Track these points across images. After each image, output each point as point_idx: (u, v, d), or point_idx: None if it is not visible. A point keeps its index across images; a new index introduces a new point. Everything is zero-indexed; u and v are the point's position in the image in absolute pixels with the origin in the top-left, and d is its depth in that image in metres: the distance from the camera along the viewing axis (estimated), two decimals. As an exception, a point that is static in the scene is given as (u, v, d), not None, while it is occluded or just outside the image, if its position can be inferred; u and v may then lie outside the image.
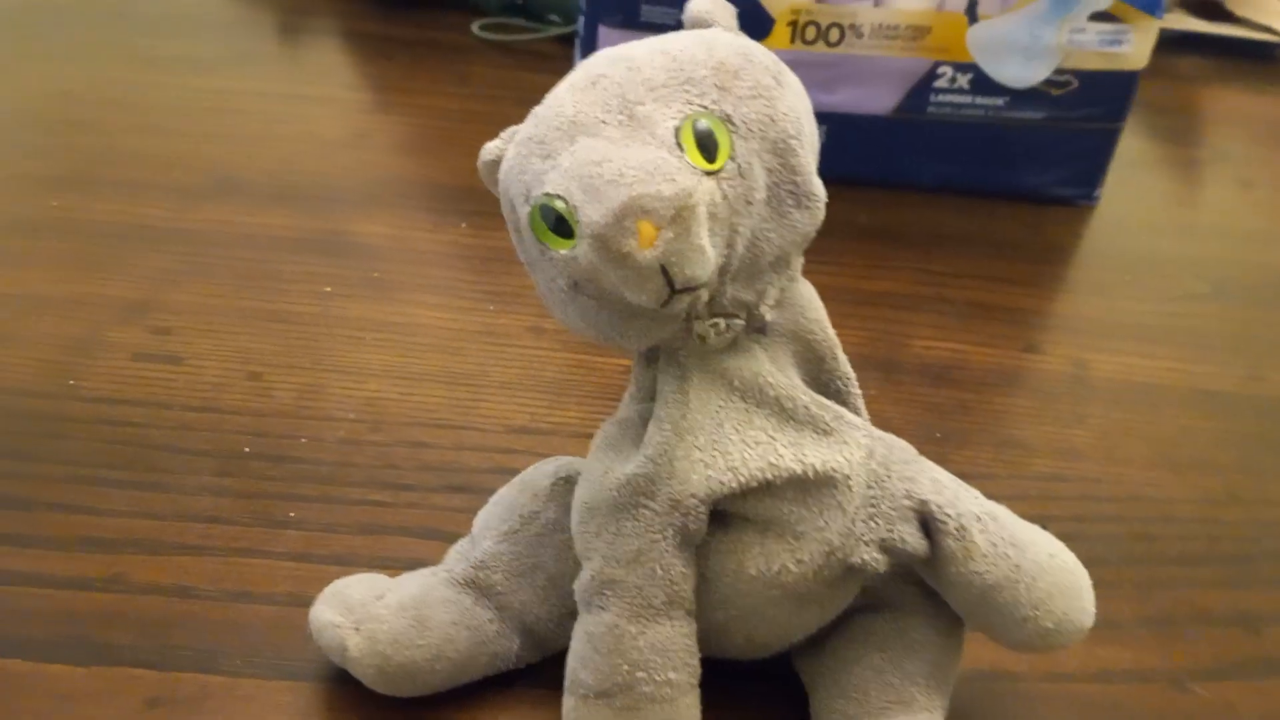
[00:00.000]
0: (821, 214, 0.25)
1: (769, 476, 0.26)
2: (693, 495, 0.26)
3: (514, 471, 0.40)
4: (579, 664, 0.27)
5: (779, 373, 0.27)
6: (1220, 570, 0.39)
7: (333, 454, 0.40)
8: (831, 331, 0.28)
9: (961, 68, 0.55)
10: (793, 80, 0.25)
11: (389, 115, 0.63)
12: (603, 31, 0.56)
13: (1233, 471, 0.44)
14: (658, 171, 0.21)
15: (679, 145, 0.22)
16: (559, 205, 0.22)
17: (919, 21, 0.54)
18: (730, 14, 0.25)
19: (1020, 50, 0.55)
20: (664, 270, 0.22)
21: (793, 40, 0.54)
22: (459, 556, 0.33)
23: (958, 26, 0.54)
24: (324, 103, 0.64)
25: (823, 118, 0.56)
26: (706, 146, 0.22)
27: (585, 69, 0.24)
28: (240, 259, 0.49)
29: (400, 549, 0.36)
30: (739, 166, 0.23)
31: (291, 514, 0.37)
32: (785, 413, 0.26)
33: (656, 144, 0.22)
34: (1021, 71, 0.56)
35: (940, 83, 0.56)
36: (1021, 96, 0.56)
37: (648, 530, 0.26)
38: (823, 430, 0.26)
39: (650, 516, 0.26)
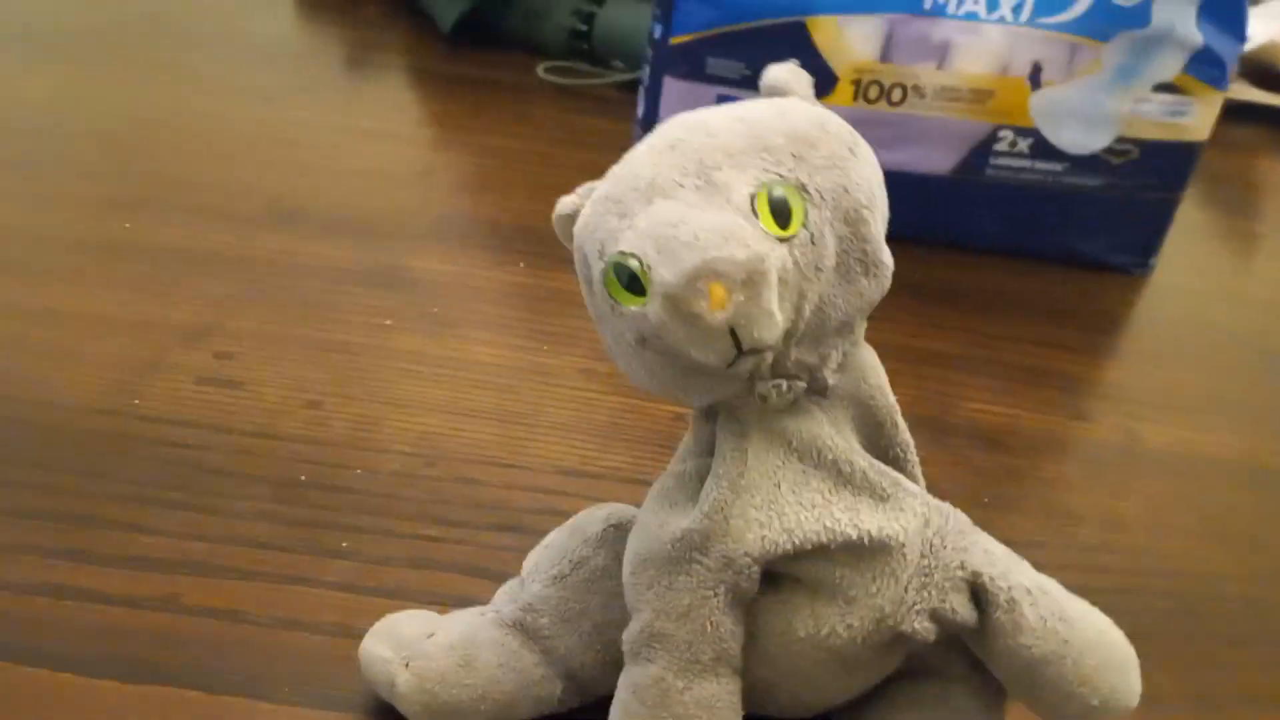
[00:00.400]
0: (889, 282, 0.26)
1: (824, 540, 0.26)
2: (746, 554, 0.26)
3: (563, 513, 0.41)
4: (623, 714, 0.28)
5: (838, 436, 0.27)
6: (1268, 651, 0.39)
7: (386, 486, 0.40)
8: (892, 398, 0.28)
9: (1022, 132, 0.56)
10: (866, 150, 0.25)
11: (451, 153, 0.64)
12: (668, 82, 0.57)
13: (1283, 552, 0.44)
14: (732, 236, 0.22)
15: (754, 211, 0.23)
16: (633, 264, 0.23)
17: (982, 85, 0.54)
18: (807, 83, 0.26)
19: (1082, 118, 0.55)
20: (732, 332, 0.22)
21: (856, 99, 0.55)
22: (508, 598, 0.33)
23: (1020, 91, 0.55)
24: (388, 138, 0.65)
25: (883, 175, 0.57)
26: (780, 213, 0.23)
27: (662, 133, 0.25)
28: (302, 288, 0.51)
29: (449, 585, 0.37)
30: (811, 234, 0.23)
31: (344, 544, 0.38)
32: (842, 476, 0.27)
33: (732, 209, 0.23)
34: (1082, 138, 0.56)
35: (1000, 146, 0.56)
36: (1081, 163, 0.57)
37: (700, 586, 0.26)
38: (879, 496, 0.27)
39: (703, 573, 0.27)
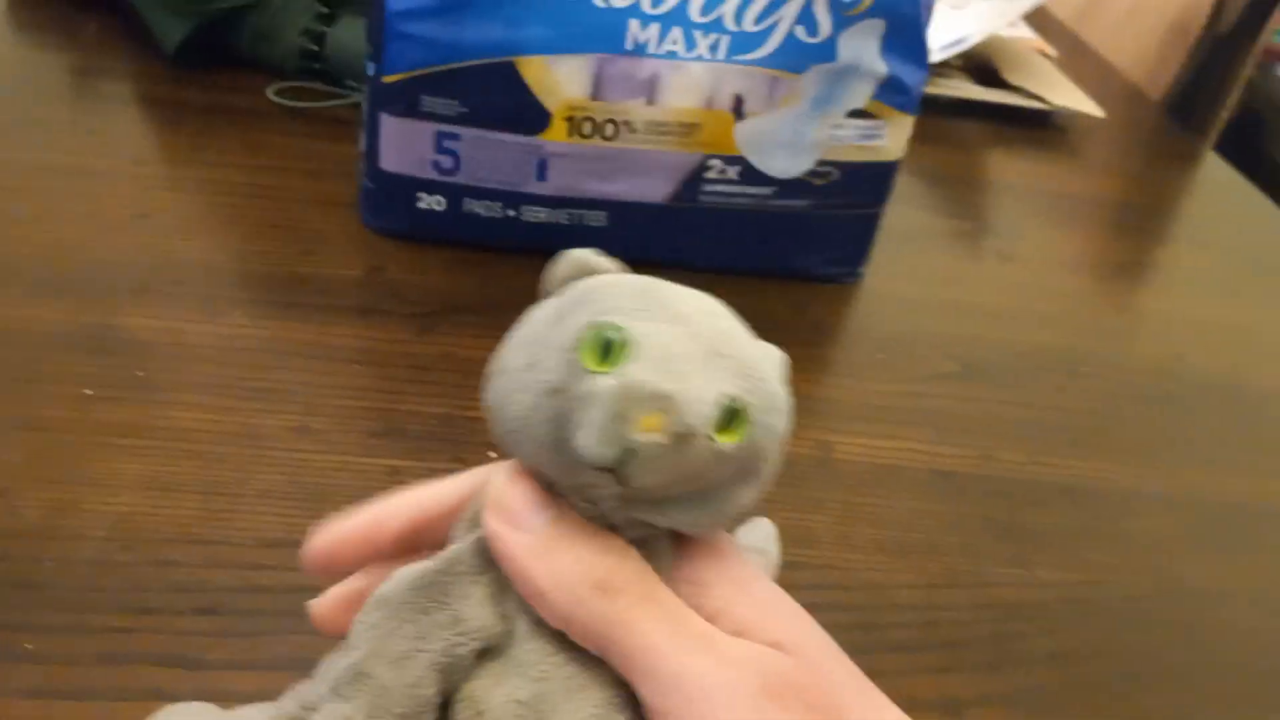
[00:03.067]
0: (725, 534, 0.28)
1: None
2: (479, 620, 0.27)
3: (264, 589, 0.41)
4: None
5: None
6: (932, 657, 0.43)
7: (79, 577, 0.40)
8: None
9: (730, 160, 0.58)
10: (782, 446, 0.27)
11: (172, 192, 0.62)
12: (384, 119, 0.57)
13: (955, 555, 0.48)
14: (700, 401, 0.24)
15: (718, 403, 0.24)
16: (621, 343, 0.24)
17: (688, 119, 0.57)
18: (784, 373, 0.28)
19: (784, 145, 0.58)
20: (630, 456, 0.23)
21: (570, 135, 0.56)
22: (293, 694, 0.33)
23: (725, 122, 0.57)
24: (109, 178, 0.62)
25: (603, 204, 0.59)
26: (725, 424, 0.25)
27: (712, 302, 0.27)
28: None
29: (140, 679, 0.37)
30: (725, 452, 0.25)
31: (29, 646, 0.37)
32: None
33: (712, 388, 0.24)
34: (786, 164, 0.59)
35: (710, 174, 0.59)
36: (787, 186, 0.60)
37: (418, 638, 0.27)
38: None
39: (428, 625, 0.27)
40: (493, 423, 0.27)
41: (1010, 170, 0.88)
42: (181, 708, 0.32)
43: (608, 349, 0.24)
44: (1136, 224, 0.85)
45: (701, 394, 0.24)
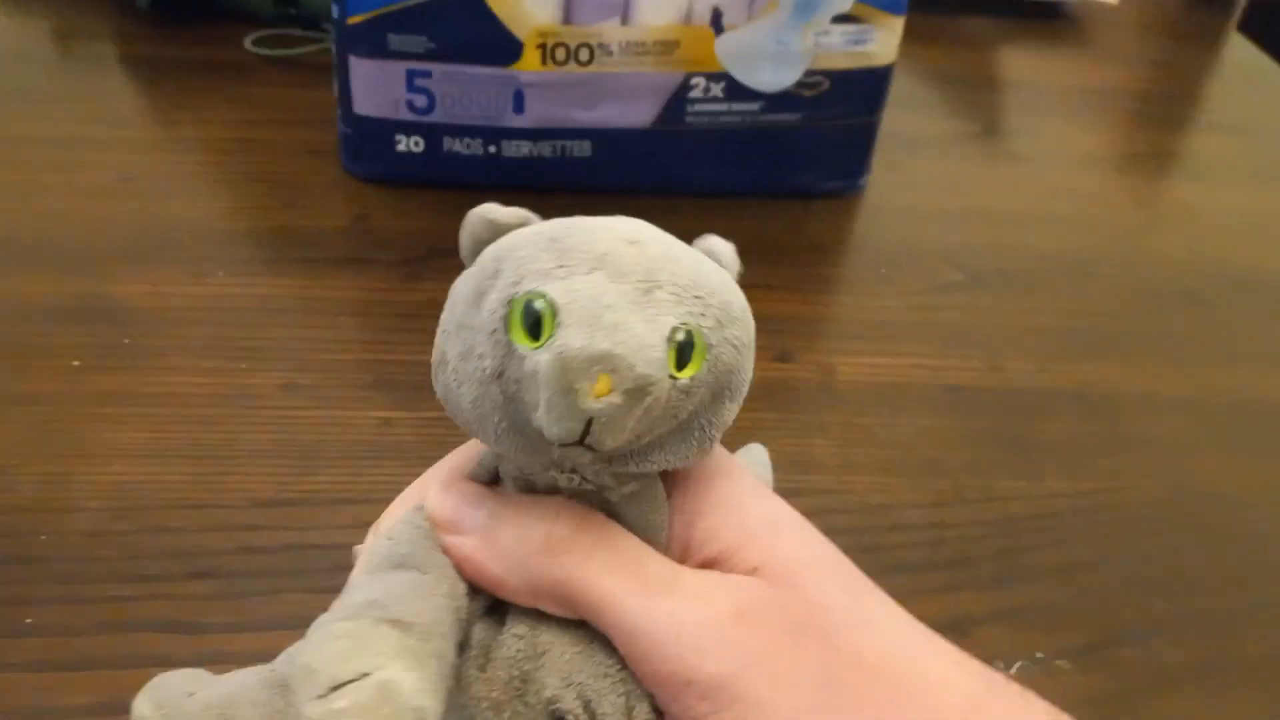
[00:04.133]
0: (709, 455, 0.27)
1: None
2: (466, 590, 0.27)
3: (260, 549, 0.41)
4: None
5: None
6: (939, 576, 0.42)
7: (75, 549, 0.40)
8: (665, 533, 0.28)
9: (714, 77, 0.56)
10: (753, 351, 0.26)
11: (154, 153, 0.61)
12: (354, 61, 0.55)
13: (961, 471, 0.47)
14: (645, 348, 0.22)
15: (667, 340, 0.23)
16: (546, 311, 0.23)
17: (666, 36, 0.54)
18: (736, 269, 0.27)
19: (769, 57, 0.56)
20: (588, 424, 0.22)
21: (544, 62, 0.54)
22: (286, 655, 0.33)
23: (705, 38, 0.55)
24: (89, 144, 0.62)
25: (586, 133, 0.57)
26: (683, 356, 0.24)
27: (628, 225, 0.25)
28: (-15, 335, 0.48)
29: (140, 646, 0.37)
30: (689, 387, 0.24)
31: (28, 620, 0.37)
32: None
33: (654, 328, 0.23)
34: (772, 77, 0.57)
35: (695, 93, 0.57)
36: (776, 100, 0.58)
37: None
38: None
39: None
40: (451, 415, 0.26)
41: (1019, 67, 0.84)
42: (172, 675, 0.32)
43: (535, 321, 0.23)
44: (1156, 114, 0.81)
45: (645, 337, 0.23)
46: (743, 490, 0.27)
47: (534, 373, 0.23)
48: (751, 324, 0.26)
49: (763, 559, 0.25)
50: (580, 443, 0.23)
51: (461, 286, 0.25)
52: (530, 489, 0.27)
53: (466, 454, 0.30)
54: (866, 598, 0.26)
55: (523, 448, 0.25)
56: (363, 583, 0.26)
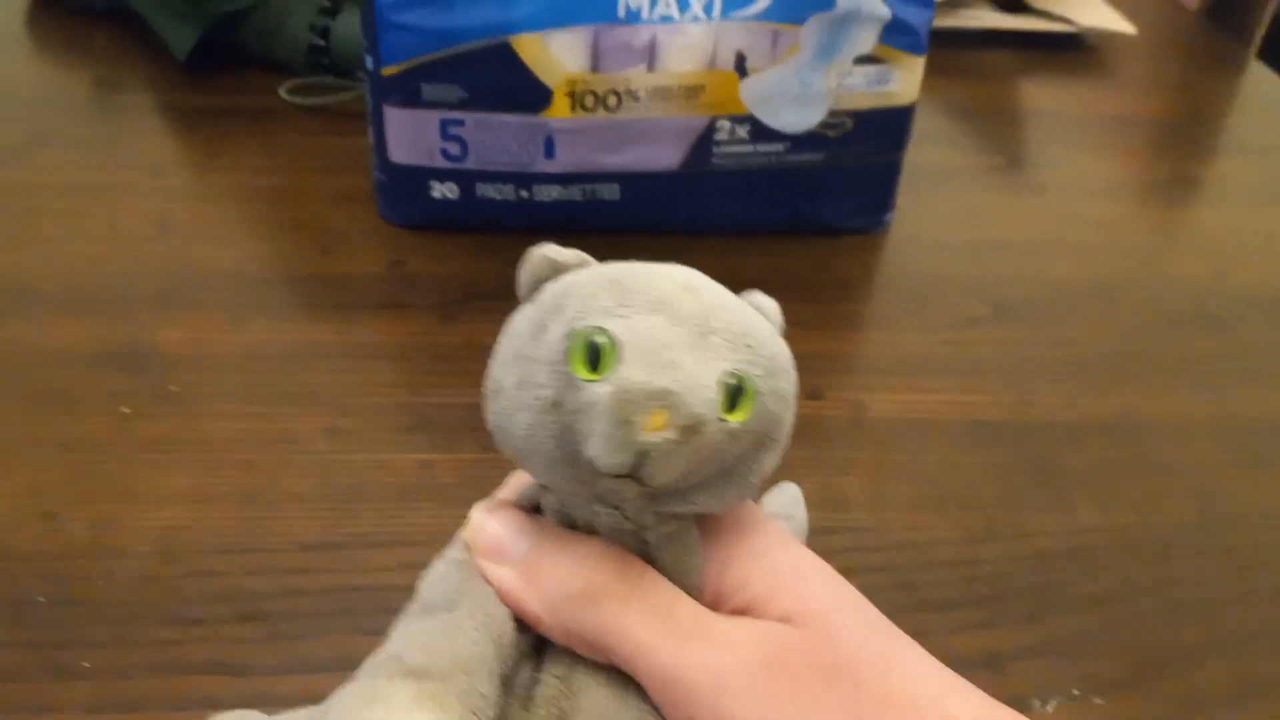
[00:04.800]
0: (750, 498, 0.28)
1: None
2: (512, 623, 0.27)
3: (304, 592, 0.42)
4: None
5: None
6: (973, 613, 0.43)
7: (126, 592, 0.41)
8: (700, 579, 0.29)
9: (739, 119, 0.57)
10: (796, 404, 0.27)
11: (191, 201, 0.63)
12: (388, 111, 0.57)
13: (993, 506, 0.47)
14: (700, 389, 0.24)
15: (719, 383, 0.24)
16: (607, 347, 0.24)
17: (691, 81, 0.56)
18: (780, 325, 0.28)
19: (792, 99, 0.57)
20: (644, 459, 0.23)
21: (573, 109, 0.55)
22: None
23: (729, 82, 0.56)
24: (127, 191, 0.63)
25: (615, 177, 0.58)
26: (734, 402, 0.25)
27: (685, 274, 0.26)
28: (33, 381, 0.50)
29: (190, 688, 0.38)
30: (735, 432, 0.25)
31: (85, 663, 0.38)
32: None
33: (709, 370, 0.24)
34: (796, 118, 0.58)
35: (720, 135, 0.58)
36: (801, 140, 0.59)
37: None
38: None
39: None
40: (500, 444, 0.27)
41: (1040, 98, 0.85)
42: (228, 715, 0.32)
43: (596, 355, 0.24)
44: (1177, 141, 0.82)
45: (700, 379, 0.24)
46: (772, 541, 0.28)
47: (592, 404, 0.24)
48: (795, 379, 0.27)
49: (792, 606, 0.25)
50: (630, 476, 0.24)
51: (520, 320, 0.27)
52: (569, 525, 0.28)
53: (516, 488, 0.31)
54: (893, 641, 0.26)
55: (571, 478, 0.26)
56: (391, 634, 0.27)
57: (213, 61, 0.75)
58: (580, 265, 0.27)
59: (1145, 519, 0.48)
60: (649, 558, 0.28)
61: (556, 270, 0.27)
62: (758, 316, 0.27)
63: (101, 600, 0.40)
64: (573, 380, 0.24)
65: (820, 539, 0.44)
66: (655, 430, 0.23)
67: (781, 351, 0.27)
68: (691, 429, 0.23)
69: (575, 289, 0.26)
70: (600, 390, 0.23)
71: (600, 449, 0.23)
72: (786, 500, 0.43)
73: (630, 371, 0.23)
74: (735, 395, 0.25)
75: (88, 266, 0.57)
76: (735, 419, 0.25)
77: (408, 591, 0.29)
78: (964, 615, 0.43)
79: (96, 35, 0.79)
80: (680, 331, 0.25)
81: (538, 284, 0.27)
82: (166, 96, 0.73)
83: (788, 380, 0.27)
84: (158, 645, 0.39)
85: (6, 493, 0.44)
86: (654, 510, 0.27)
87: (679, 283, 0.26)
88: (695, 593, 0.29)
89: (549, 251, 0.27)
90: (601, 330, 0.24)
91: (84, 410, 0.48)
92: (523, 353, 0.26)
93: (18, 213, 0.61)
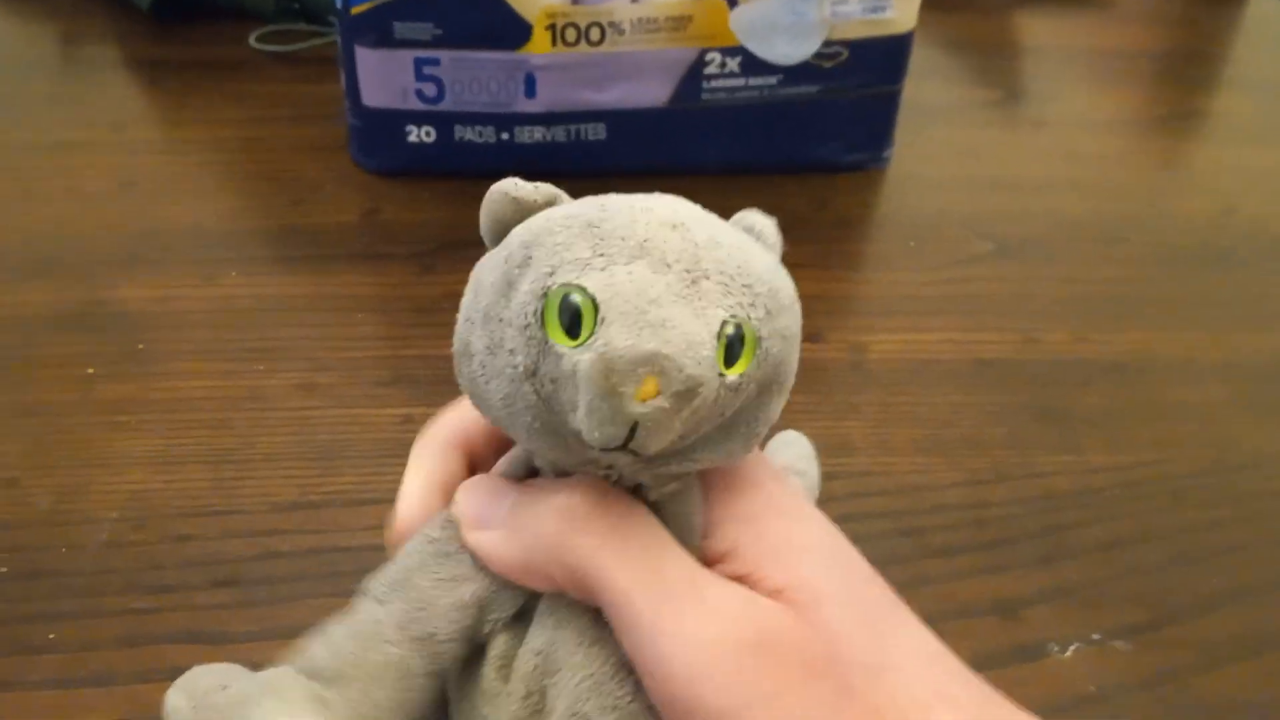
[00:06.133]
0: (751, 455, 0.25)
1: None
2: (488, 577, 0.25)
3: (283, 554, 0.40)
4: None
5: None
6: (982, 557, 0.41)
7: (94, 561, 0.39)
8: (699, 535, 0.27)
9: (729, 51, 0.55)
10: (800, 340, 0.24)
11: (157, 155, 0.60)
12: (360, 52, 0.54)
13: (1001, 447, 0.45)
14: (694, 345, 0.21)
15: (715, 336, 0.21)
16: (585, 307, 0.21)
17: (678, 12, 0.53)
18: (779, 247, 0.25)
19: (785, 28, 0.54)
20: (632, 429, 0.21)
21: (554, 44, 0.53)
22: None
23: (719, 12, 0.53)
24: (90, 148, 0.61)
25: (600, 115, 0.56)
26: (732, 353, 0.22)
27: (667, 205, 0.23)
28: (-6, 346, 0.47)
29: (162, 659, 0.36)
30: (739, 383, 0.22)
31: (50, 635, 0.36)
32: None
33: (702, 323, 0.21)
34: (789, 49, 0.55)
35: (710, 69, 0.55)
36: (794, 73, 0.56)
37: (475, 565, 0.25)
38: None
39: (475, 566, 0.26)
40: (479, 409, 0.25)
41: (1039, 31, 0.82)
42: (205, 668, 0.31)
43: (574, 316, 0.21)
44: (1180, 74, 0.79)
45: (694, 335, 0.21)
46: (770, 504, 0.25)
47: (573, 373, 0.21)
48: (799, 310, 0.24)
49: (786, 581, 0.23)
50: (623, 447, 0.21)
51: (487, 272, 0.23)
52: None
53: (459, 418, 0.28)
54: (892, 633, 0.23)
55: (557, 447, 0.23)
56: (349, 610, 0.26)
57: (180, 13, 0.72)
58: (549, 203, 0.24)
59: (1156, 462, 0.46)
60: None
61: (522, 212, 0.24)
62: (754, 246, 0.24)
63: (67, 570, 0.38)
64: (549, 347, 0.21)
65: (823, 485, 0.42)
66: (646, 399, 0.20)
67: (783, 286, 0.24)
68: (687, 393, 0.21)
69: (545, 237, 0.23)
70: (581, 359, 0.21)
71: (586, 423, 0.21)
72: (800, 455, 0.41)
73: (613, 335, 0.20)
74: (734, 345, 0.22)
75: (47, 228, 0.55)
76: (735, 371, 0.22)
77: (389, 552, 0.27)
78: (972, 560, 0.41)
79: (58, -12, 0.76)
80: (667, 280, 0.22)
81: (502, 228, 0.24)
82: (131, 51, 0.70)
83: (791, 317, 0.23)
84: (128, 615, 0.37)
85: (-35, 463, 0.42)
86: (652, 472, 0.25)
87: (663, 219, 0.23)
88: (696, 553, 0.26)
89: (510, 189, 0.24)
90: (577, 287, 0.21)
91: (45, 374, 0.46)
92: (491, 312, 0.23)
93: (-25, 173, 0.59)
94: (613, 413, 0.20)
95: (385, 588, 0.26)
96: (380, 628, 0.25)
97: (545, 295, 0.21)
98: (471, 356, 0.24)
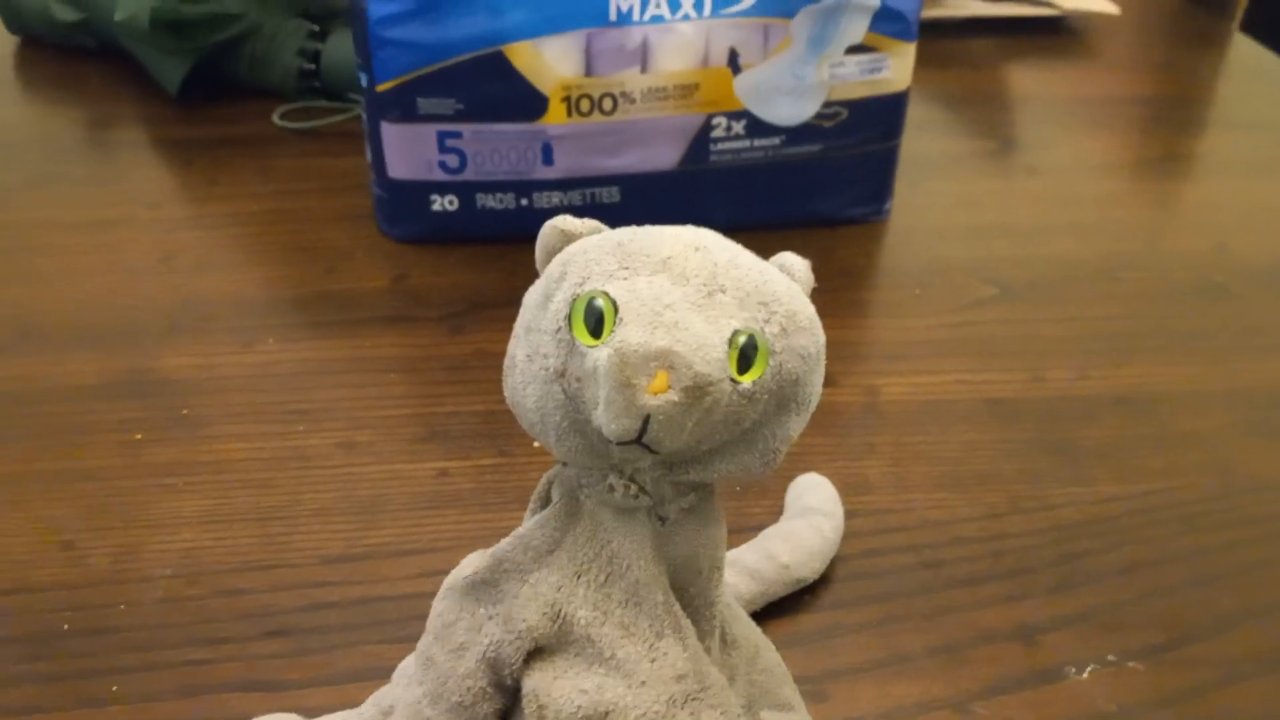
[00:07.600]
0: (772, 470, 0.27)
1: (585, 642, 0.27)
2: (524, 622, 0.27)
3: (331, 605, 0.42)
4: None
5: (653, 563, 0.27)
6: (1001, 586, 0.43)
7: (150, 617, 0.41)
8: (723, 554, 0.29)
9: (735, 115, 0.58)
10: (822, 364, 0.26)
11: (192, 231, 0.63)
12: (385, 127, 0.57)
13: (1014, 482, 0.47)
14: (705, 347, 0.23)
15: (728, 343, 0.24)
16: (607, 309, 0.23)
17: (686, 80, 0.56)
18: (809, 283, 0.27)
19: (786, 92, 0.57)
20: (645, 420, 0.23)
21: (570, 114, 0.56)
22: (374, 699, 0.33)
23: (724, 79, 0.56)
24: (127, 225, 0.63)
25: (613, 180, 0.58)
26: (745, 361, 0.24)
27: (694, 233, 0.26)
28: (43, 416, 0.49)
29: (222, 707, 0.37)
30: (751, 393, 0.24)
31: (114, 688, 0.38)
32: (635, 598, 0.27)
33: (714, 328, 0.24)
34: (791, 110, 0.58)
35: (717, 132, 0.58)
36: (797, 133, 0.59)
37: (474, 629, 0.28)
38: (656, 633, 0.27)
39: (482, 619, 0.28)
40: (518, 419, 0.27)
41: (1028, 82, 0.85)
42: (270, 719, 0.32)
43: (598, 319, 0.23)
44: (1166, 117, 0.82)
45: (705, 337, 0.23)
46: None
47: (594, 369, 0.23)
48: (821, 336, 0.26)
49: None
50: (638, 442, 0.23)
51: (531, 293, 0.26)
52: (575, 514, 0.28)
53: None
54: None
55: (583, 449, 0.25)
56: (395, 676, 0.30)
57: (205, 93, 0.75)
58: (591, 233, 0.27)
59: (1167, 489, 0.47)
60: (665, 537, 0.28)
61: (567, 240, 0.27)
62: (777, 274, 0.26)
63: (126, 626, 0.40)
64: (575, 347, 0.24)
65: (845, 523, 0.44)
66: (657, 392, 0.22)
67: (802, 309, 0.26)
68: (697, 389, 0.23)
69: (579, 255, 0.25)
70: (599, 354, 0.23)
71: (603, 415, 0.23)
72: (824, 498, 0.43)
73: (629, 333, 0.23)
74: (748, 354, 0.24)
75: (92, 301, 0.57)
76: (748, 379, 0.24)
77: (432, 599, 0.29)
78: (992, 590, 0.42)
79: (88, 75, 0.80)
80: (685, 291, 0.24)
81: (550, 256, 0.27)
82: (160, 131, 0.73)
83: (810, 339, 0.25)
84: (186, 667, 0.39)
85: (23, 527, 0.44)
86: (671, 480, 0.26)
87: (687, 242, 0.25)
88: (715, 564, 0.28)
89: (559, 223, 0.27)
90: (600, 293, 0.24)
91: (95, 440, 0.48)
92: (532, 325, 0.26)
93: (18, 253, 0.61)
94: (626, 405, 0.23)
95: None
96: (419, 708, 0.28)
97: (574, 300, 0.24)
98: (514, 367, 0.26)
